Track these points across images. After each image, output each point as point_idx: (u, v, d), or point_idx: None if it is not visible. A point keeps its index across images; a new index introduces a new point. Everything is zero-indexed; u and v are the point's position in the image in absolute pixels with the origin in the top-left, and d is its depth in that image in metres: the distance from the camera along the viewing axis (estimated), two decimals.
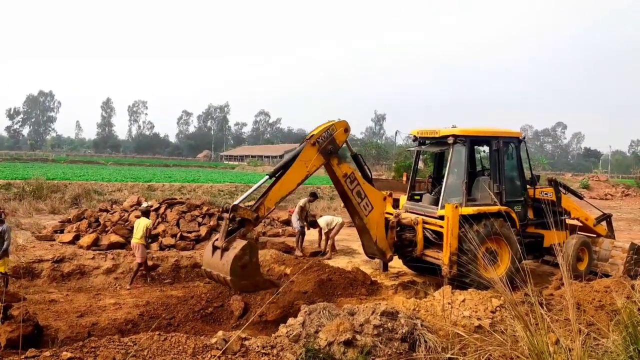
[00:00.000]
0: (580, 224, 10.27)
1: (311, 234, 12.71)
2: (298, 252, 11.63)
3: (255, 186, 7.53)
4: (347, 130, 7.74)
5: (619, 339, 4.00)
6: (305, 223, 12.03)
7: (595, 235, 10.37)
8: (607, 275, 8.14)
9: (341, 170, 7.68)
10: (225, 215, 6.63)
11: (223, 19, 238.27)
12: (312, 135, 7.48)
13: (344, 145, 7.98)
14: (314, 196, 12.58)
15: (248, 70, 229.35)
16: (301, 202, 12.28)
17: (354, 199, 7.85)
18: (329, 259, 11.40)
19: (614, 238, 10.69)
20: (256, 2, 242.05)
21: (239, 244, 6.37)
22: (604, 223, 10.83)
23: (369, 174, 8.42)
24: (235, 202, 6.78)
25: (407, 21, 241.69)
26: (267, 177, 7.56)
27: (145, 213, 10.08)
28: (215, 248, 6.48)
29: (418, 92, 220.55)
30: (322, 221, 12.08)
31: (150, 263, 9.88)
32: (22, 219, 14.89)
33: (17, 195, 19.33)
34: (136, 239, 9.39)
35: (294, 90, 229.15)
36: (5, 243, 7.57)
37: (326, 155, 7.48)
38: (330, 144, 7.49)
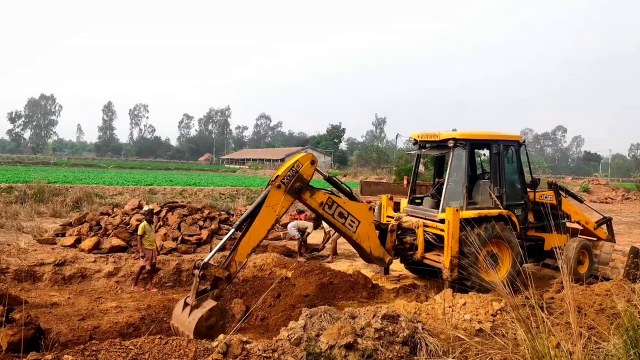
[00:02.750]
0: (581, 228, 10.26)
1: (314, 238, 12.72)
2: (299, 257, 11.62)
3: (224, 239, 7.04)
4: (313, 162, 7.34)
5: (619, 343, 4.01)
6: (302, 235, 12.07)
7: (595, 239, 10.37)
8: (607, 279, 8.14)
9: (316, 201, 7.39)
10: (196, 272, 6.23)
11: (223, 22, 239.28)
12: (277, 177, 7.08)
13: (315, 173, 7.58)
14: (316, 225, 12.29)
15: (249, 74, 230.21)
16: (306, 226, 12.20)
17: (337, 221, 7.64)
18: (330, 262, 11.41)
19: (614, 241, 10.70)
20: (256, 4, 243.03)
21: (208, 304, 6.03)
22: (604, 226, 10.84)
23: (348, 189, 8.21)
24: (205, 260, 6.38)
25: (407, 20, 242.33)
26: (233, 230, 7.06)
27: (146, 215, 10.09)
28: (186, 305, 6.15)
29: (418, 94, 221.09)
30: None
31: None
32: (23, 222, 14.92)
33: (19, 198, 19.35)
34: None
35: (294, 93, 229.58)
36: None
37: (294, 194, 7.14)
38: (298, 181, 7.10)
